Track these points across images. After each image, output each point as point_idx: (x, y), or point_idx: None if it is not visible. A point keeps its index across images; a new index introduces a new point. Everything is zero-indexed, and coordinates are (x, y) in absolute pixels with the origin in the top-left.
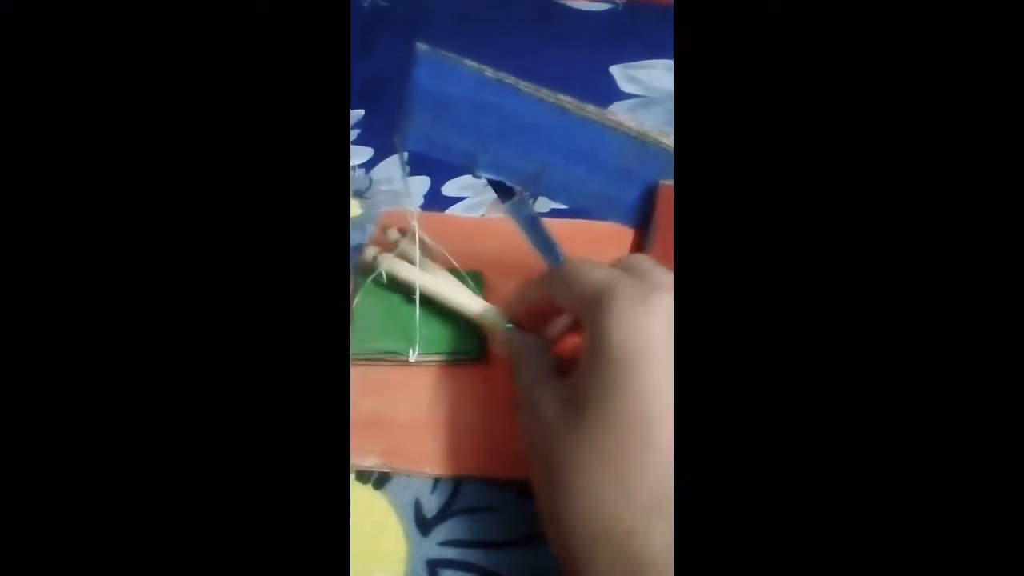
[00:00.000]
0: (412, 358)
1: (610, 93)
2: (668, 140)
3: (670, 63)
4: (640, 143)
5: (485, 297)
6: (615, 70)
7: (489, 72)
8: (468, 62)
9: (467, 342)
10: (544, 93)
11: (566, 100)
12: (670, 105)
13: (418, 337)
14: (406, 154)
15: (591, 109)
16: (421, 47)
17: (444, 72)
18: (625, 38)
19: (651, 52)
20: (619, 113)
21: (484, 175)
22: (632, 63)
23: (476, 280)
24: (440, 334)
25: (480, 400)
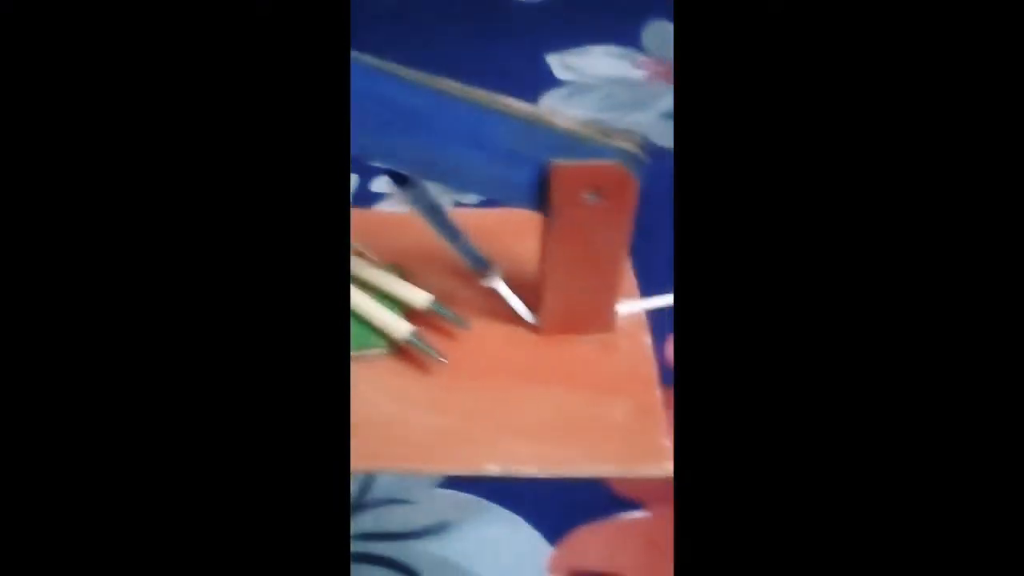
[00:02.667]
0: None
1: (545, 81)
2: (558, 119)
3: (607, 48)
4: (529, 125)
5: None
6: (551, 58)
7: (370, 60)
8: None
9: (375, 337)
10: (423, 78)
11: (451, 84)
12: (607, 90)
13: None
14: None
15: (478, 93)
16: None
17: None
18: (561, 26)
19: (586, 38)
20: (550, 101)
21: (379, 164)
22: (568, 50)
23: (396, 273)
24: (351, 330)
25: (394, 393)
